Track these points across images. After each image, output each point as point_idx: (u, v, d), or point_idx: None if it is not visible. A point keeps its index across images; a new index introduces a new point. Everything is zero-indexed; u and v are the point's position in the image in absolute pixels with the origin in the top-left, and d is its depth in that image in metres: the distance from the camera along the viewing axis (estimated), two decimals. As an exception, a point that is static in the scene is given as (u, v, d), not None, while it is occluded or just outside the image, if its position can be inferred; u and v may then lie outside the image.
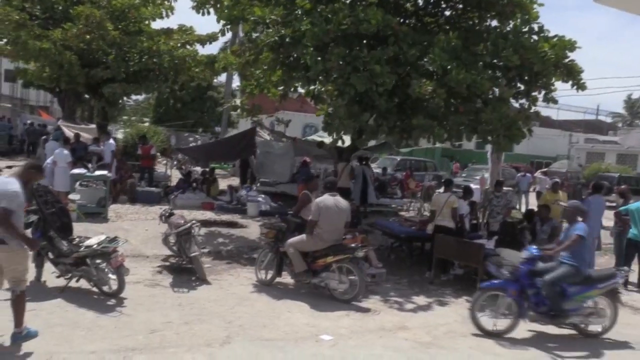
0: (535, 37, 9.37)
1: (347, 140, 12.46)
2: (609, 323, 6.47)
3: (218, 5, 10.07)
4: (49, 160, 12.30)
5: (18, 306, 5.04)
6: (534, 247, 6.61)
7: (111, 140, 15.08)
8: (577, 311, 6.33)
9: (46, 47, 14.76)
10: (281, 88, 11.25)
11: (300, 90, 11.66)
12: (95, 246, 6.51)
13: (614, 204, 11.98)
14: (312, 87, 11.34)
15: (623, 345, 6.39)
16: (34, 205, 6.58)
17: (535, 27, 9.44)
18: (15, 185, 4.97)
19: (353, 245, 7.35)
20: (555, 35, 9.37)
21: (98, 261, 6.56)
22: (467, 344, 6.04)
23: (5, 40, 16.22)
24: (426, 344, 5.92)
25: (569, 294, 6.27)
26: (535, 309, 6.31)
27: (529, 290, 6.25)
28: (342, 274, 7.14)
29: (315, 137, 17.39)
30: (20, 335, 5.05)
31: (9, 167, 16.97)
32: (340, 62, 8.95)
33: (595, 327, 6.48)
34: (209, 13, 10.29)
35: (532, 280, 6.27)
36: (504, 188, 15.00)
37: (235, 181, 18.07)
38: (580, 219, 6.55)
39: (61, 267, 6.70)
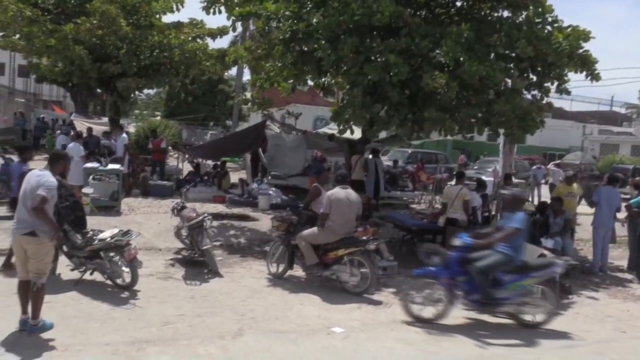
0: (549, 27, 9.25)
1: (358, 132, 12.43)
2: (548, 313, 6.34)
3: (228, 3, 10.03)
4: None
5: (37, 298, 5.15)
6: (466, 234, 6.52)
7: (124, 134, 15.17)
8: (510, 300, 6.22)
9: (52, 43, 14.83)
10: (291, 81, 11.23)
11: (310, 82, 11.63)
12: (108, 239, 6.57)
13: (628, 196, 11.84)
14: (322, 80, 11.31)
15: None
16: None
17: (549, 17, 9.32)
18: (52, 179, 5.19)
19: (364, 238, 7.34)
20: (570, 26, 9.25)
21: (111, 254, 6.63)
22: (479, 337, 6.02)
23: (18, 35, 16.34)
24: (437, 337, 5.91)
25: (504, 282, 6.20)
26: (467, 296, 6.26)
27: (460, 277, 6.21)
28: (354, 266, 7.15)
29: (326, 130, 17.36)
30: (37, 327, 5.16)
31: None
32: (351, 54, 8.91)
33: (533, 317, 6.37)
34: (220, 12, 10.24)
35: (463, 268, 6.21)
36: (516, 180, 14.92)
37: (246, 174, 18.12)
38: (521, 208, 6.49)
39: (75, 260, 6.78)
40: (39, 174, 5.20)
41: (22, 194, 5.19)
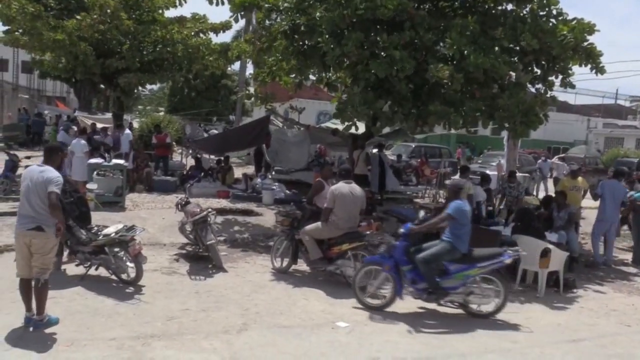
0: (553, 20, 9.18)
1: (362, 127, 12.41)
2: (496, 304, 6.33)
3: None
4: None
5: (41, 294, 5.18)
6: (410, 223, 6.60)
7: (127, 131, 15.20)
8: (457, 289, 6.25)
9: (60, 38, 14.83)
10: (293, 75, 11.19)
11: (312, 77, 11.59)
12: (113, 235, 6.59)
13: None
14: (325, 75, 11.26)
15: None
16: None
17: (554, 10, 9.25)
18: (57, 173, 5.20)
19: (368, 232, 7.34)
20: (574, 19, 9.17)
21: (116, 249, 6.65)
22: (484, 331, 6.03)
23: (21, 30, 16.32)
24: (442, 330, 5.92)
25: (450, 272, 6.25)
26: (413, 285, 6.33)
27: (405, 266, 6.27)
28: (358, 261, 7.14)
29: (330, 125, 17.35)
30: (42, 322, 5.21)
31: (28, 157, 17.18)
32: (356, 50, 8.87)
33: (482, 307, 6.39)
34: (222, 3, 10.24)
35: (408, 257, 6.28)
36: (520, 174, 14.87)
37: (250, 169, 18.13)
38: (461, 196, 6.50)
39: (80, 256, 6.80)
40: (41, 169, 5.17)
41: (25, 189, 5.15)
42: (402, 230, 6.44)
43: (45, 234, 5.09)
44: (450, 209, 6.30)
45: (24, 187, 5.18)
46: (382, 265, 6.40)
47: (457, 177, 10.72)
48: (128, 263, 6.71)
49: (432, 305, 6.50)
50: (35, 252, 5.11)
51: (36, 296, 5.17)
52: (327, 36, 8.90)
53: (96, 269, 6.83)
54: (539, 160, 20.20)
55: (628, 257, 10.25)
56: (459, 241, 6.26)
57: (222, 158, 16.07)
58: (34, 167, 5.29)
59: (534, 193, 17.12)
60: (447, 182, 7.17)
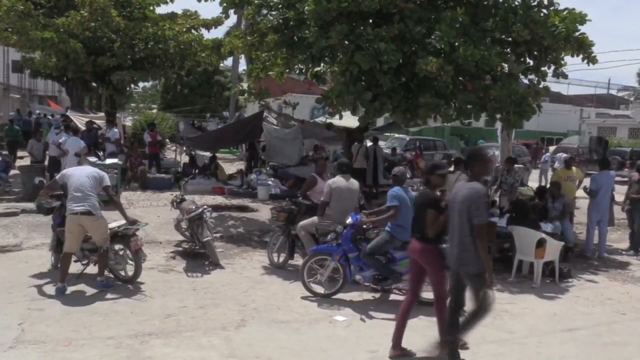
0: (544, 11, 9.19)
1: (355, 121, 12.38)
2: None
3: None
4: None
5: (102, 260, 6.42)
6: (355, 214, 6.74)
7: (114, 129, 15.18)
8: (404, 276, 6.35)
9: (48, 36, 14.69)
10: (280, 65, 11.15)
11: (303, 70, 11.55)
12: (115, 228, 6.61)
13: (625, 179, 11.84)
14: (316, 69, 11.22)
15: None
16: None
17: (545, 0, 9.26)
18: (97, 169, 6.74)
19: (364, 226, 7.34)
20: (566, 9, 9.18)
21: (116, 247, 6.68)
22: (481, 322, 6.05)
23: (10, 29, 16.15)
24: (440, 323, 5.94)
25: (395, 259, 6.39)
26: (360, 272, 6.49)
27: (351, 253, 6.45)
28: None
29: (324, 119, 17.31)
30: (104, 282, 6.40)
31: (20, 157, 17.12)
32: (346, 42, 8.85)
33: (428, 294, 6.40)
34: None
35: (355, 244, 6.49)
36: (514, 165, 14.87)
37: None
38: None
39: (78, 253, 6.76)
40: (94, 168, 6.67)
41: (79, 182, 6.23)
42: (350, 220, 6.55)
43: (95, 217, 6.22)
44: (389, 202, 6.37)
45: (78, 180, 6.26)
46: (331, 255, 6.54)
47: (451, 169, 10.73)
48: (128, 260, 6.71)
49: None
50: (90, 230, 6.29)
51: (99, 262, 6.43)
52: (314, 28, 8.89)
53: (94, 264, 6.80)
54: (547, 154, 20.58)
55: (622, 246, 10.31)
56: (399, 230, 6.33)
57: (213, 155, 16.07)
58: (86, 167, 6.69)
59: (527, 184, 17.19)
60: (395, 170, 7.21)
